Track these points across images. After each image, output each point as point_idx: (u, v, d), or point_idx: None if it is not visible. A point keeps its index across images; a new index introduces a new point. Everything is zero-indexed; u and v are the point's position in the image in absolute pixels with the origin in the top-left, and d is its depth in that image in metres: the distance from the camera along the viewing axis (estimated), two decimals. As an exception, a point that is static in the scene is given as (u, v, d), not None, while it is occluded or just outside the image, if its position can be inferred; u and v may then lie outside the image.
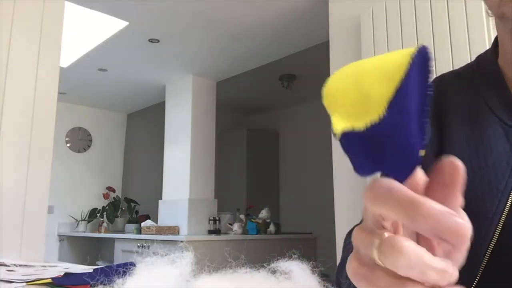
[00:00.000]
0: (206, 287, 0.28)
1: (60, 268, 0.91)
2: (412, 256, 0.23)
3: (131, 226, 4.57)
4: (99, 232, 4.87)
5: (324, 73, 3.04)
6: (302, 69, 4.31)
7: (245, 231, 3.98)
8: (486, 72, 0.60)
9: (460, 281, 0.26)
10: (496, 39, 0.61)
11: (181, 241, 3.46)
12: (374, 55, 2.24)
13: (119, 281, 0.31)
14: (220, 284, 0.28)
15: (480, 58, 0.63)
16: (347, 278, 0.47)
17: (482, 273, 0.49)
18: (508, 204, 0.49)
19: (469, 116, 0.57)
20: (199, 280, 0.29)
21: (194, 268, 0.31)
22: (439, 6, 2.03)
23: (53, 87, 2.03)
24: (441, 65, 1.94)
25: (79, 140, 5.42)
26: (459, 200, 0.26)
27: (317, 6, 2.89)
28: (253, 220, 4.04)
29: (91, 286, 0.68)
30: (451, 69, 0.68)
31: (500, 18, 0.53)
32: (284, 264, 0.33)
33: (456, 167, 0.26)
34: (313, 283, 0.32)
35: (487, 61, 0.61)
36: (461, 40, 1.93)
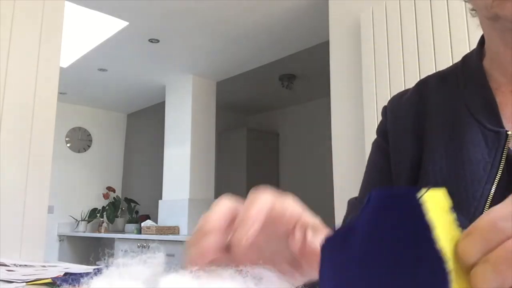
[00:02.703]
0: (171, 287, 0.28)
1: (60, 268, 0.91)
2: None
3: (131, 226, 4.57)
4: (99, 232, 4.87)
5: (324, 73, 3.04)
6: (302, 69, 4.31)
7: (245, 231, 3.98)
8: (470, 73, 0.58)
9: None
10: (481, 38, 0.59)
11: (181, 241, 3.46)
12: (374, 55, 2.24)
13: (84, 280, 0.30)
14: (187, 283, 0.28)
15: (466, 58, 0.62)
16: None
17: None
18: (485, 212, 0.47)
19: (450, 121, 0.56)
20: (165, 279, 0.29)
21: (166, 268, 0.31)
22: (439, 6, 2.03)
23: (53, 87, 2.03)
24: (440, 65, 1.94)
25: (79, 140, 5.42)
26: None
27: (317, 6, 2.89)
28: (253, 220, 4.03)
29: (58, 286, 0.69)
30: None
31: (492, 19, 0.51)
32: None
33: None
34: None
35: (472, 62, 0.59)
36: (461, 40, 1.93)
